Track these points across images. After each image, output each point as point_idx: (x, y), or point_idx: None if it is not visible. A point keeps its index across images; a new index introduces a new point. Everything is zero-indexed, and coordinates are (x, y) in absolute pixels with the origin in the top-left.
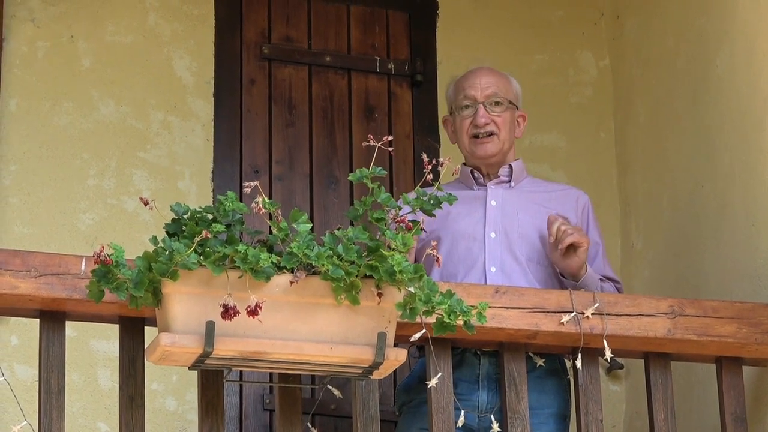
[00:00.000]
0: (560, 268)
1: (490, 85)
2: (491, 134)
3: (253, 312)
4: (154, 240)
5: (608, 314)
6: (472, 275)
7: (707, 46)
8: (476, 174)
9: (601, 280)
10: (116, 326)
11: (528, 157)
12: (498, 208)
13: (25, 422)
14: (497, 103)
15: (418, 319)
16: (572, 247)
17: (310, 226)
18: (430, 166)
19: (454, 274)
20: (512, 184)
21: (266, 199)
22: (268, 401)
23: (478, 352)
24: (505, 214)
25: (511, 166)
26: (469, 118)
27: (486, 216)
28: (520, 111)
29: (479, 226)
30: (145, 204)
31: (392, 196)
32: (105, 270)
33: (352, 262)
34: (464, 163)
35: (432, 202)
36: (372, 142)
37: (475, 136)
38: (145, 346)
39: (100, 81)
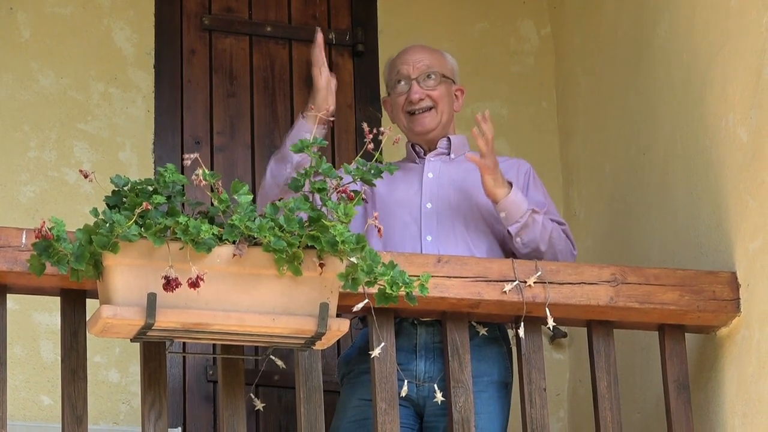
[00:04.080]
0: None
1: (421, 60)
2: (429, 108)
3: (194, 284)
4: (95, 212)
5: (551, 283)
6: (407, 244)
7: (648, 15)
8: (417, 148)
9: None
10: (58, 299)
11: (470, 127)
12: (435, 180)
13: None
14: (429, 77)
15: (360, 290)
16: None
17: (251, 197)
18: (371, 136)
19: (390, 244)
20: (451, 156)
21: (206, 170)
22: (211, 372)
23: (416, 322)
24: (442, 185)
25: (449, 139)
26: (404, 95)
27: (422, 187)
28: (457, 85)
29: (416, 197)
30: (86, 176)
31: (334, 167)
32: (46, 243)
33: (294, 233)
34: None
35: (373, 171)
36: (313, 113)
37: (411, 113)
38: (87, 319)
39: (40, 53)
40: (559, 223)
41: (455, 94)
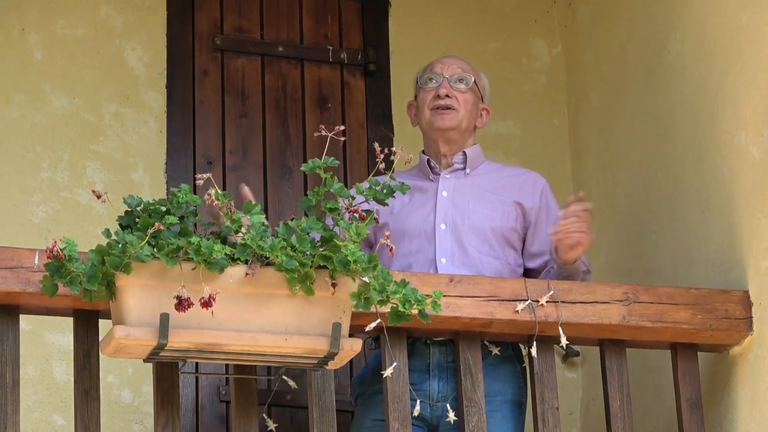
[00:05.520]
0: (557, 251)
1: (457, 64)
2: (450, 108)
3: (206, 303)
4: (107, 233)
5: (563, 302)
6: (422, 267)
7: (659, 33)
8: (432, 163)
9: (584, 271)
10: (71, 319)
11: (482, 145)
12: (449, 199)
13: None
14: (461, 80)
15: (372, 309)
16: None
17: (263, 217)
18: (382, 156)
19: (405, 266)
20: (467, 170)
21: (219, 190)
22: (223, 392)
23: (428, 341)
24: (456, 205)
25: (465, 153)
26: (433, 90)
27: (436, 207)
28: (484, 104)
29: (430, 217)
30: (98, 197)
31: (346, 186)
32: (58, 264)
33: (306, 253)
34: (423, 151)
35: (385, 191)
36: (324, 132)
37: (436, 108)
38: (100, 339)
39: (52, 74)
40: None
41: (481, 112)
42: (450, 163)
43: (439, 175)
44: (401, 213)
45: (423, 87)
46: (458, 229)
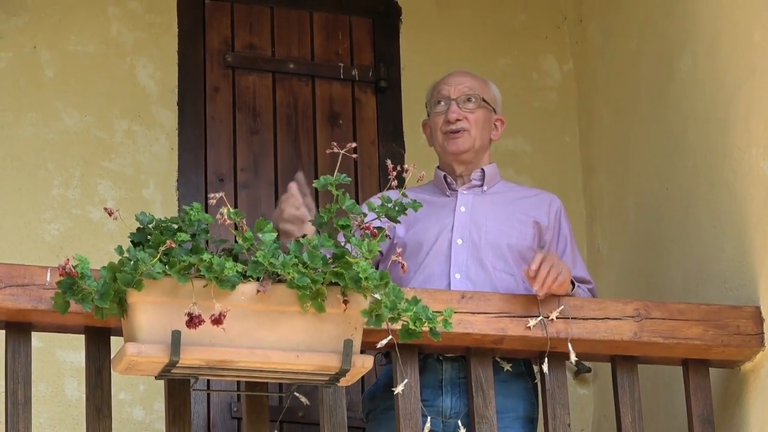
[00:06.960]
0: None
1: (463, 83)
2: (462, 130)
3: (217, 320)
4: (120, 250)
5: (574, 318)
6: (436, 282)
7: (670, 49)
8: (449, 179)
9: (578, 286)
10: (82, 336)
11: (500, 159)
12: (467, 215)
13: None
14: (469, 100)
15: (384, 326)
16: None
17: (275, 235)
18: (394, 173)
19: (419, 280)
20: (485, 188)
21: (231, 209)
22: (235, 409)
23: (441, 358)
24: (474, 220)
25: (483, 170)
26: (442, 114)
27: (454, 222)
28: (497, 115)
29: (447, 232)
30: (110, 214)
31: (357, 203)
32: (70, 282)
33: (318, 270)
34: (438, 167)
35: (397, 208)
36: (336, 149)
37: (447, 133)
38: (112, 356)
39: (64, 91)
40: (586, 283)
41: (495, 123)
42: (468, 178)
43: (457, 191)
44: (417, 227)
45: (432, 111)
46: (475, 245)
